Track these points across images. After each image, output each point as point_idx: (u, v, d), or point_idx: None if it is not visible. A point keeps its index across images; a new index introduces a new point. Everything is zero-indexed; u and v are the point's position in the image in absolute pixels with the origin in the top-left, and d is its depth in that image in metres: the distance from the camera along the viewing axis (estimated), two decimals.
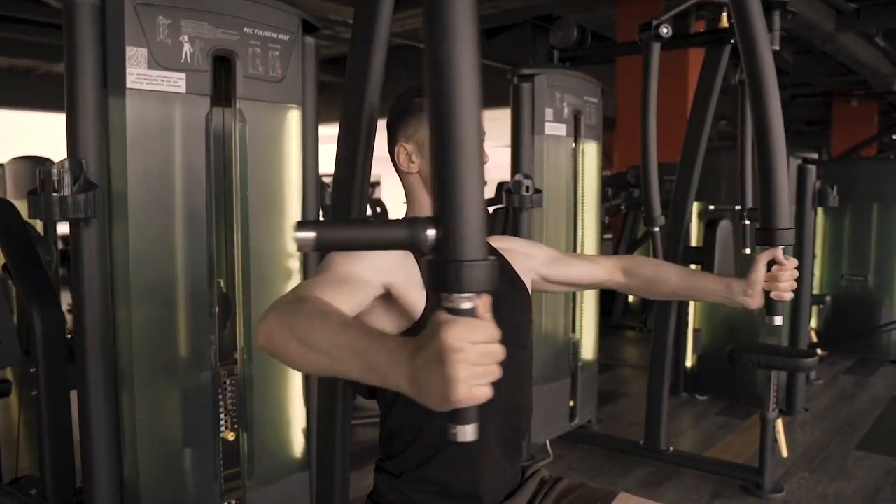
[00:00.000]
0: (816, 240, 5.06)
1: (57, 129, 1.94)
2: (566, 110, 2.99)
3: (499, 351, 0.67)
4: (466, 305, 0.66)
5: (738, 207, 2.89)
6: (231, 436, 1.99)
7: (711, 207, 4.00)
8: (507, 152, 2.91)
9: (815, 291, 5.09)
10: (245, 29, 1.90)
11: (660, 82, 2.83)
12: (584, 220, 3.24)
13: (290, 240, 2.05)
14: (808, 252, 3.84)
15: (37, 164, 3.31)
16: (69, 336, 1.88)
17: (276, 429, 2.11)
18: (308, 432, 2.16)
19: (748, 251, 2.99)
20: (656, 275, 1.46)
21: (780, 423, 2.76)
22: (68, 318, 1.87)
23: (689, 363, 4.14)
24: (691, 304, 3.98)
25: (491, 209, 3.09)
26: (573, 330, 3.24)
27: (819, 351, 4.87)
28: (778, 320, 1.35)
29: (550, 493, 1.32)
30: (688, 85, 5.39)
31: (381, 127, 1.38)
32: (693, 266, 3.31)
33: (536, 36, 7.39)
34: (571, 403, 3.23)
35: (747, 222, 2.91)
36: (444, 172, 0.66)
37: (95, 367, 1.74)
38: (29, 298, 1.84)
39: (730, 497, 2.78)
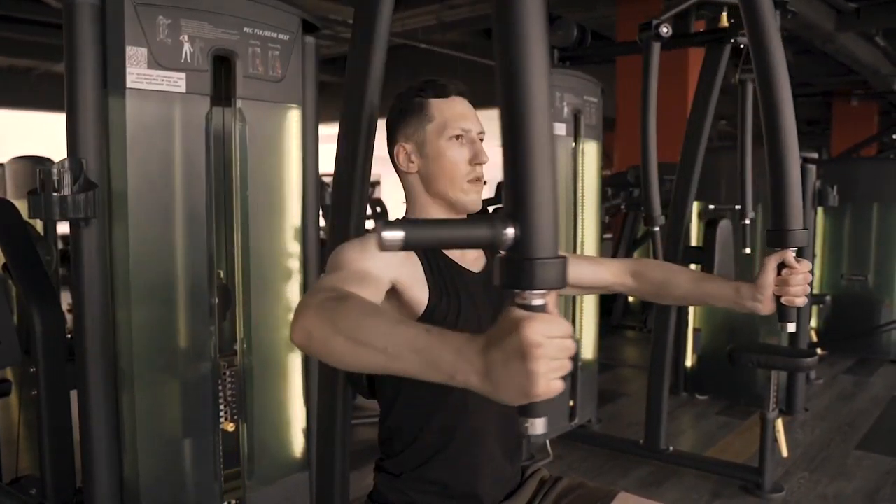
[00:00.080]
0: (816, 239, 5.06)
1: (57, 128, 1.94)
2: (566, 110, 2.99)
3: (572, 346, 0.69)
4: (539, 302, 0.68)
5: (737, 207, 2.89)
6: (231, 427, 1.99)
7: (711, 207, 4.00)
8: None
9: (815, 291, 5.10)
10: (245, 29, 1.90)
11: (660, 82, 2.83)
12: (583, 219, 3.24)
13: (289, 239, 2.05)
14: (808, 252, 3.84)
15: (37, 164, 3.31)
16: (69, 336, 1.88)
17: (276, 420, 2.11)
18: (308, 432, 2.16)
19: (748, 251, 2.99)
20: (665, 279, 1.39)
21: (780, 423, 2.76)
22: (68, 317, 1.87)
23: (689, 363, 4.14)
24: None
25: (491, 209, 3.09)
26: (573, 329, 3.24)
27: (819, 351, 4.87)
28: (791, 327, 1.27)
29: (550, 492, 1.32)
30: (688, 85, 5.39)
31: (381, 127, 1.39)
32: (693, 266, 3.31)
33: None
34: (571, 403, 3.23)
35: (747, 222, 2.91)
36: (519, 173, 0.68)
37: (95, 366, 1.75)
38: (29, 298, 1.84)
39: (730, 497, 2.78)
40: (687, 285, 1.36)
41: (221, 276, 2.01)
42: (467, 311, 1.19)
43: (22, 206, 1.94)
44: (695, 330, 4.11)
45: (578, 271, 1.43)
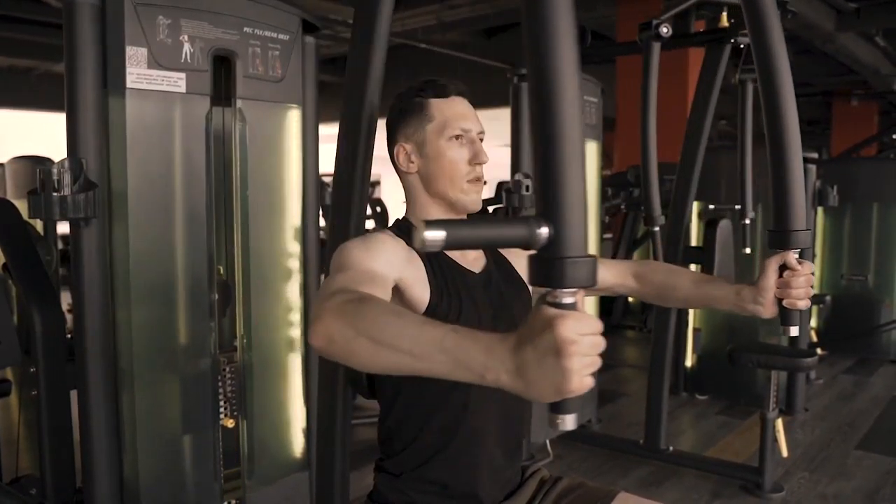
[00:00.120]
0: (816, 239, 5.06)
1: (57, 128, 1.94)
2: None
3: (603, 342, 0.70)
4: (569, 300, 0.70)
5: (737, 207, 2.89)
6: (230, 423, 1.99)
7: (711, 207, 4.00)
8: (507, 152, 2.91)
9: (816, 291, 5.09)
10: (245, 29, 1.90)
11: (660, 82, 2.83)
12: None
13: (289, 239, 2.05)
14: (808, 252, 3.84)
15: (37, 164, 3.31)
16: (69, 336, 1.88)
17: (276, 417, 2.11)
18: (308, 432, 2.16)
19: (748, 251, 2.99)
20: (668, 281, 1.37)
21: (779, 423, 2.76)
22: (68, 317, 1.87)
23: (689, 363, 4.14)
24: None
25: (491, 209, 3.10)
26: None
27: (819, 351, 4.87)
28: (794, 331, 1.23)
29: (550, 492, 1.32)
30: (688, 85, 5.38)
31: (381, 127, 1.38)
32: (693, 266, 3.31)
33: None
34: None
35: (747, 222, 2.91)
36: (552, 174, 0.70)
37: (95, 366, 1.75)
38: (29, 298, 1.84)
39: (730, 497, 2.78)
40: (688, 287, 1.34)
41: (221, 271, 2.01)
42: (468, 311, 1.19)
43: (22, 206, 1.94)
44: (695, 330, 4.11)
45: None
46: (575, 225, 0.70)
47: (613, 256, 5.68)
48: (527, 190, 2.76)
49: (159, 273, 1.82)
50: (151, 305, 1.81)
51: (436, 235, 0.68)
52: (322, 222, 2.66)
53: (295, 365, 2.14)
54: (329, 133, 1.95)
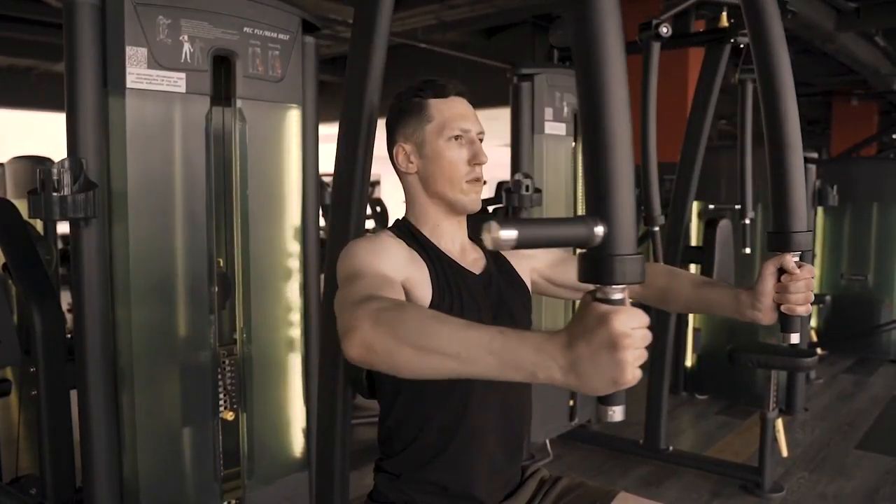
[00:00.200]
0: (816, 239, 5.06)
1: (57, 128, 1.94)
2: (566, 110, 2.99)
3: (650, 335, 0.72)
4: (619, 296, 0.72)
5: (737, 207, 2.89)
6: (230, 416, 1.99)
7: (711, 207, 4.01)
8: (507, 152, 2.91)
9: (815, 291, 5.08)
10: (245, 28, 1.90)
11: (660, 82, 2.83)
12: None
13: (289, 239, 2.05)
14: (808, 254, 3.84)
15: (37, 164, 3.31)
16: (69, 335, 1.88)
17: (275, 412, 2.10)
18: (308, 432, 2.16)
19: (748, 251, 2.99)
20: (669, 285, 1.34)
21: (779, 423, 2.77)
22: (68, 317, 1.87)
23: (688, 363, 4.14)
24: None
25: (491, 208, 3.10)
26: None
27: (819, 350, 4.87)
28: (794, 338, 1.17)
29: (550, 492, 1.32)
30: (688, 84, 5.38)
31: (381, 127, 1.38)
32: (693, 266, 3.32)
33: (536, 35, 7.38)
34: (571, 403, 3.23)
35: (747, 222, 2.91)
36: (604, 174, 0.73)
37: (95, 366, 1.75)
38: (29, 298, 1.84)
39: (729, 496, 2.78)
40: (688, 293, 1.31)
41: (221, 264, 2.01)
42: (470, 312, 1.19)
43: (22, 206, 1.94)
44: (695, 330, 4.12)
45: (576, 273, 1.40)
46: (626, 224, 0.73)
47: None
48: (527, 190, 2.76)
49: (159, 273, 1.82)
50: (151, 305, 1.81)
51: (509, 234, 0.69)
52: (322, 222, 2.67)
53: (295, 364, 2.14)
54: (329, 133, 1.95)
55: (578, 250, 0.75)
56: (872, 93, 9.13)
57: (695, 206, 3.76)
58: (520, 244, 0.70)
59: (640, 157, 2.93)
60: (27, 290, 1.86)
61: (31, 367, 1.85)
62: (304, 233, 2.12)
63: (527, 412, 1.33)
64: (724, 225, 3.37)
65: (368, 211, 3.61)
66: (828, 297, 5.12)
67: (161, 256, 1.81)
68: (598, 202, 0.73)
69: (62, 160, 1.67)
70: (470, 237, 1.33)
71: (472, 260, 1.29)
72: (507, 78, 2.89)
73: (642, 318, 0.71)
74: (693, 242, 3.85)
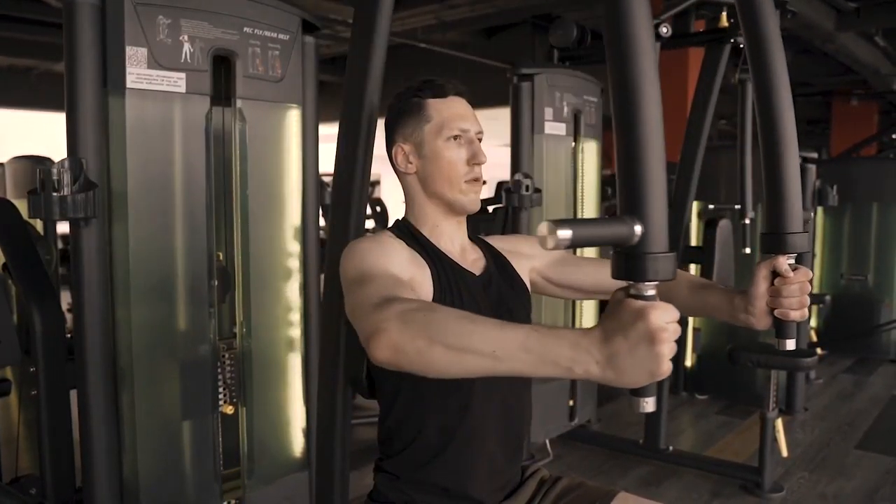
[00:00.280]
0: (816, 239, 5.06)
1: (57, 128, 1.94)
2: (566, 109, 2.99)
3: (679, 329, 0.75)
4: (652, 292, 0.76)
5: (737, 207, 2.89)
6: (230, 409, 1.99)
7: (711, 207, 4.01)
8: (507, 151, 2.91)
9: (815, 291, 5.10)
10: (245, 28, 1.90)
11: (660, 82, 2.83)
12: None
13: (289, 239, 2.05)
14: (807, 255, 3.85)
15: (37, 164, 3.32)
16: (69, 335, 1.88)
17: (275, 405, 2.10)
18: (308, 431, 2.16)
19: (748, 251, 2.99)
20: (668, 288, 1.28)
21: (779, 423, 2.77)
22: (68, 317, 1.87)
23: (688, 362, 4.14)
24: None
25: (490, 208, 3.10)
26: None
27: (818, 350, 4.88)
28: (790, 344, 1.12)
29: (550, 492, 1.32)
30: (688, 84, 5.38)
31: (381, 126, 1.38)
32: (692, 266, 3.32)
33: (536, 35, 7.39)
34: (571, 403, 3.23)
35: (747, 222, 2.91)
36: (639, 175, 0.76)
37: (95, 366, 1.75)
38: (29, 298, 1.84)
39: (729, 496, 2.78)
40: (685, 295, 1.28)
41: (221, 257, 2.01)
42: (470, 312, 1.19)
43: (22, 206, 1.94)
44: (695, 330, 4.11)
45: (577, 273, 1.38)
46: (660, 223, 0.76)
47: None
48: (527, 190, 2.77)
49: (159, 272, 1.82)
50: (151, 305, 1.81)
51: (565, 234, 0.72)
52: (322, 222, 2.67)
53: (294, 363, 2.14)
54: (329, 133, 1.95)
55: (616, 249, 0.77)
56: (872, 93, 9.13)
57: (695, 206, 3.76)
58: (573, 244, 0.73)
59: None
60: (27, 289, 1.86)
61: (31, 366, 1.85)
62: (304, 233, 2.12)
63: (527, 412, 1.33)
64: (724, 225, 3.38)
65: (368, 211, 3.62)
66: (827, 297, 5.12)
67: (161, 256, 1.81)
68: (634, 202, 0.76)
69: (62, 160, 1.67)
70: (470, 237, 1.33)
71: (472, 260, 1.29)
72: (507, 78, 2.89)
73: (675, 313, 0.74)
74: (693, 242, 3.85)
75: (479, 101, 1.32)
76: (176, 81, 1.78)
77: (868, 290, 5.09)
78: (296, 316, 2.13)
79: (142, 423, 1.81)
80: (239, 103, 1.93)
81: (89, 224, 1.71)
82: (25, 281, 1.87)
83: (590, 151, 3.23)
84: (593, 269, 1.38)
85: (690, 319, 4.09)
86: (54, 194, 1.66)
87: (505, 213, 2.86)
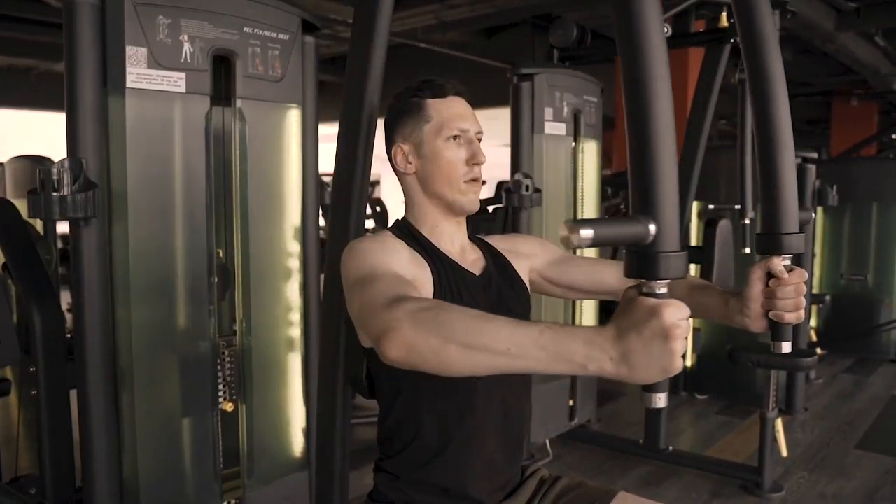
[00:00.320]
0: (816, 239, 5.06)
1: (57, 128, 1.94)
2: (566, 109, 2.99)
3: (690, 326, 0.78)
4: (664, 290, 0.77)
5: (737, 207, 2.89)
6: (230, 407, 1.99)
7: (711, 207, 4.00)
8: (507, 151, 2.91)
9: (815, 291, 5.10)
10: (245, 28, 1.90)
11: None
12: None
13: (289, 239, 2.05)
14: (807, 252, 3.85)
15: (36, 164, 3.31)
16: (69, 335, 1.88)
17: (274, 402, 2.10)
18: (308, 431, 2.16)
19: (748, 251, 2.99)
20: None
21: (779, 423, 2.77)
22: (68, 317, 1.87)
23: (688, 362, 4.14)
24: None
25: (490, 208, 3.10)
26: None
27: (818, 350, 4.88)
28: (786, 346, 1.09)
29: (550, 492, 1.32)
30: (688, 84, 5.38)
31: (381, 126, 1.38)
32: (692, 266, 3.31)
33: (536, 35, 7.39)
34: (571, 403, 3.23)
35: (747, 221, 2.91)
36: (652, 176, 0.77)
37: (95, 366, 1.75)
38: (28, 298, 1.84)
39: (729, 496, 2.78)
40: (683, 296, 1.20)
41: (220, 254, 2.01)
42: None
43: (22, 206, 1.94)
44: (695, 330, 4.11)
45: (576, 273, 1.37)
46: (672, 222, 0.77)
47: (613, 257, 5.68)
48: (527, 189, 2.77)
49: (159, 273, 1.82)
50: (151, 305, 1.81)
51: (587, 233, 0.74)
52: (322, 222, 2.67)
53: (294, 362, 2.14)
54: (329, 133, 1.95)
55: (630, 249, 0.79)
56: (872, 93, 9.13)
57: (695, 206, 3.76)
58: (594, 242, 0.75)
59: None
60: (27, 289, 1.86)
61: (31, 366, 1.85)
62: (304, 232, 2.12)
63: (526, 412, 1.33)
64: (724, 225, 3.37)
65: (368, 211, 3.62)
66: (827, 297, 5.12)
67: (161, 256, 1.82)
68: (647, 201, 0.77)
69: (62, 160, 1.67)
70: (469, 237, 1.33)
71: (472, 260, 1.29)
72: (507, 78, 2.89)
73: (686, 311, 0.76)
74: (693, 242, 3.85)
75: (479, 101, 1.32)
76: (176, 81, 1.78)
77: (868, 290, 5.09)
78: (296, 315, 2.13)
79: (142, 423, 1.81)
80: (239, 103, 1.93)
81: (89, 224, 1.71)
82: (25, 281, 1.87)
83: (590, 151, 3.23)
84: (592, 268, 1.38)
85: (690, 320, 4.09)
86: (54, 194, 1.66)
87: (505, 213, 2.86)
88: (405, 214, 1.31)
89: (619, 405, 4.03)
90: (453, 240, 1.29)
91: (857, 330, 5.09)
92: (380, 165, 1.55)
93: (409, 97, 1.27)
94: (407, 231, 1.27)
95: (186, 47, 1.79)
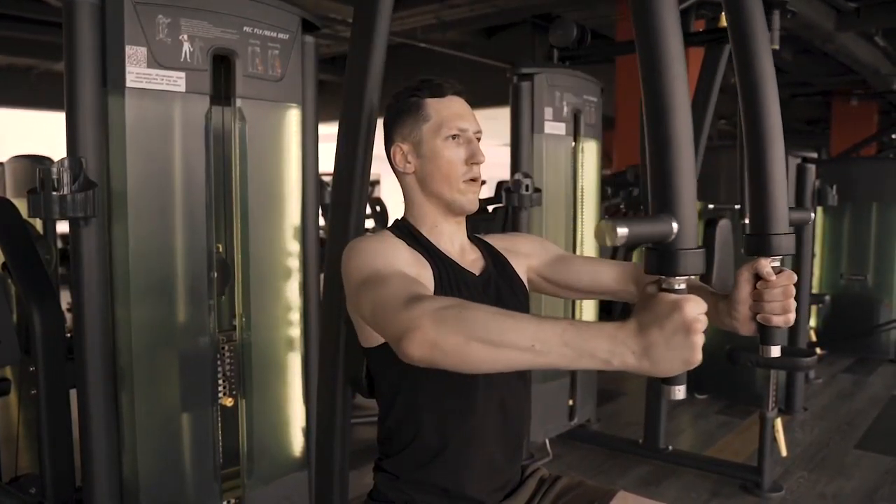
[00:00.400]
0: (816, 239, 5.06)
1: (56, 127, 1.94)
2: (566, 109, 2.99)
3: (707, 320, 0.80)
4: (683, 286, 0.81)
5: (737, 207, 2.89)
6: (229, 402, 1.99)
7: (711, 207, 4.01)
8: (507, 151, 2.91)
9: (815, 291, 5.10)
10: (245, 28, 1.90)
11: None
12: (583, 219, 3.24)
13: (289, 238, 2.05)
14: (807, 251, 3.85)
15: (36, 163, 3.31)
16: (69, 335, 1.88)
17: (274, 398, 2.10)
18: (307, 431, 2.16)
19: None
20: None
21: (779, 423, 2.77)
22: (68, 316, 1.87)
23: None
24: None
25: (490, 208, 3.10)
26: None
27: (818, 350, 4.87)
28: (775, 350, 1.06)
29: (549, 492, 1.32)
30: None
31: (380, 126, 1.38)
32: None
33: (536, 35, 7.39)
34: (571, 402, 3.23)
35: (747, 221, 2.91)
36: (672, 175, 0.81)
37: (95, 365, 1.75)
38: (28, 297, 1.84)
39: (729, 496, 2.78)
40: None
41: (220, 249, 2.01)
42: None
43: (21, 205, 1.94)
44: None
45: (574, 272, 1.36)
46: (691, 220, 0.81)
47: (612, 257, 5.68)
48: (527, 189, 2.76)
49: (159, 272, 1.82)
50: (151, 304, 1.81)
51: (623, 231, 0.78)
52: (322, 221, 2.67)
53: (294, 361, 2.14)
54: (329, 132, 1.95)
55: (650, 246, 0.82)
56: (872, 93, 9.14)
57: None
58: (629, 241, 0.79)
59: (639, 156, 2.93)
60: (27, 289, 1.86)
61: (31, 366, 1.85)
62: (304, 232, 2.12)
63: (526, 412, 1.33)
64: (724, 225, 3.37)
65: (368, 211, 3.61)
66: (827, 297, 5.12)
67: (161, 255, 1.82)
68: (667, 200, 0.81)
69: (62, 159, 1.67)
70: (469, 237, 1.33)
71: (472, 260, 1.29)
72: (506, 77, 2.89)
73: (704, 306, 0.79)
74: None
75: (479, 100, 1.32)
76: (176, 81, 1.78)
77: (868, 290, 5.09)
78: (295, 315, 2.13)
79: (141, 423, 1.81)
80: (239, 103, 1.93)
81: (89, 223, 1.71)
82: (25, 280, 1.87)
83: (589, 151, 3.23)
84: (590, 268, 1.36)
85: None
86: (54, 193, 1.66)
87: (505, 212, 2.86)
88: (404, 214, 1.31)
89: (618, 405, 4.03)
90: (453, 240, 1.29)
91: (856, 330, 5.09)
92: (380, 165, 1.55)
93: (407, 97, 1.27)
94: (406, 231, 1.27)
95: (186, 47, 1.79)
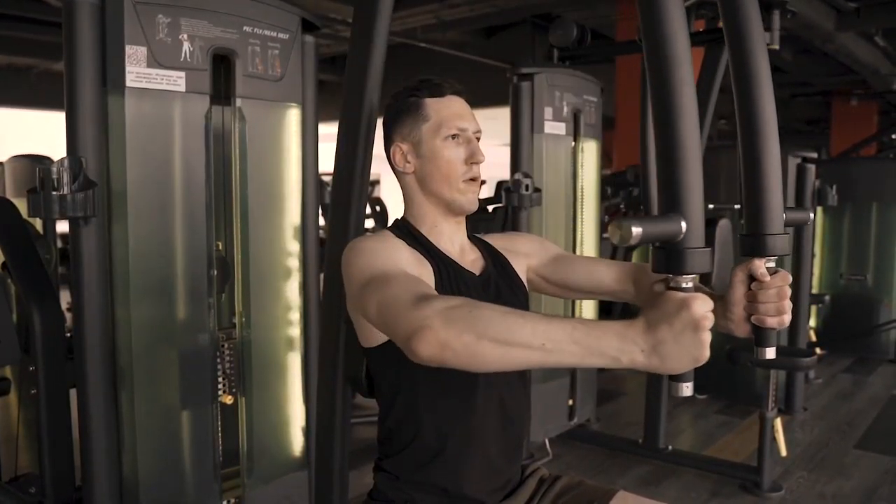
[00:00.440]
0: (816, 239, 5.06)
1: (56, 127, 1.94)
2: (565, 109, 2.99)
3: (713, 318, 0.81)
4: (690, 284, 0.83)
5: (737, 207, 2.89)
6: (229, 399, 1.99)
7: (711, 207, 4.01)
8: (507, 151, 2.91)
9: (815, 291, 5.10)
10: (245, 27, 1.90)
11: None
12: (583, 218, 3.24)
13: (289, 238, 2.05)
14: (807, 251, 3.85)
15: (36, 163, 3.31)
16: (68, 334, 1.89)
17: (274, 397, 2.10)
18: (307, 431, 2.16)
19: None
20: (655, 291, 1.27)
21: (778, 422, 2.77)
22: (68, 316, 1.87)
23: None
24: None
25: (490, 208, 3.10)
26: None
27: (818, 350, 4.88)
28: (770, 352, 1.04)
29: (549, 491, 1.32)
30: None
31: (380, 126, 1.38)
32: None
33: (536, 35, 7.39)
34: (570, 402, 3.23)
35: None
36: (680, 176, 0.83)
37: (94, 365, 1.75)
38: (28, 297, 1.84)
39: (728, 496, 2.78)
40: None
41: (220, 247, 2.01)
42: None
43: (21, 205, 1.94)
44: None
45: (572, 271, 1.35)
46: (698, 219, 0.83)
47: (612, 257, 5.68)
48: (526, 189, 2.76)
49: (159, 272, 1.82)
50: (151, 304, 1.81)
51: (637, 230, 0.80)
52: (322, 221, 2.67)
53: (294, 361, 2.14)
54: (329, 132, 1.95)
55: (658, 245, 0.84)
56: (872, 93, 9.14)
57: None
58: (643, 239, 0.80)
59: (639, 156, 2.93)
60: (27, 289, 1.86)
61: (31, 365, 1.85)
62: (304, 232, 2.12)
63: (525, 412, 1.33)
64: (724, 225, 3.38)
65: (368, 210, 3.61)
66: (827, 297, 5.12)
67: (161, 255, 1.82)
68: (676, 200, 0.83)
69: (62, 159, 1.67)
70: (468, 236, 1.33)
71: (471, 260, 1.29)
72: (506, 77, 2.89)
73: (711, 304, 0.80)
74: None
75: (479, 100, 1.32)
76: (176, 80, 1.78)
77: (867, 289, 5.09)
78: (295, 315, 2.13)
79: (141, 422, 1.81)
80: (239, 102, 1.93)
81: (89, 223, 1.71)
82: (25, 280, 1.87)
83: (589, 151, 3.23)
84: (589, 268, 1.35)
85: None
86: (54, 193, 1.66)
87: (505, 212, 2.86)
88: (404, 214, 1.31)
89: (618, 405, 4.03)
90: (453, 239, 1.29)
91: (856, 330, 5.09)
92: (380, 165, 1.55)
93: (407, 96, 1.27)
94: (406, 231, 1.27)
95: (186, 46, 1.79)
